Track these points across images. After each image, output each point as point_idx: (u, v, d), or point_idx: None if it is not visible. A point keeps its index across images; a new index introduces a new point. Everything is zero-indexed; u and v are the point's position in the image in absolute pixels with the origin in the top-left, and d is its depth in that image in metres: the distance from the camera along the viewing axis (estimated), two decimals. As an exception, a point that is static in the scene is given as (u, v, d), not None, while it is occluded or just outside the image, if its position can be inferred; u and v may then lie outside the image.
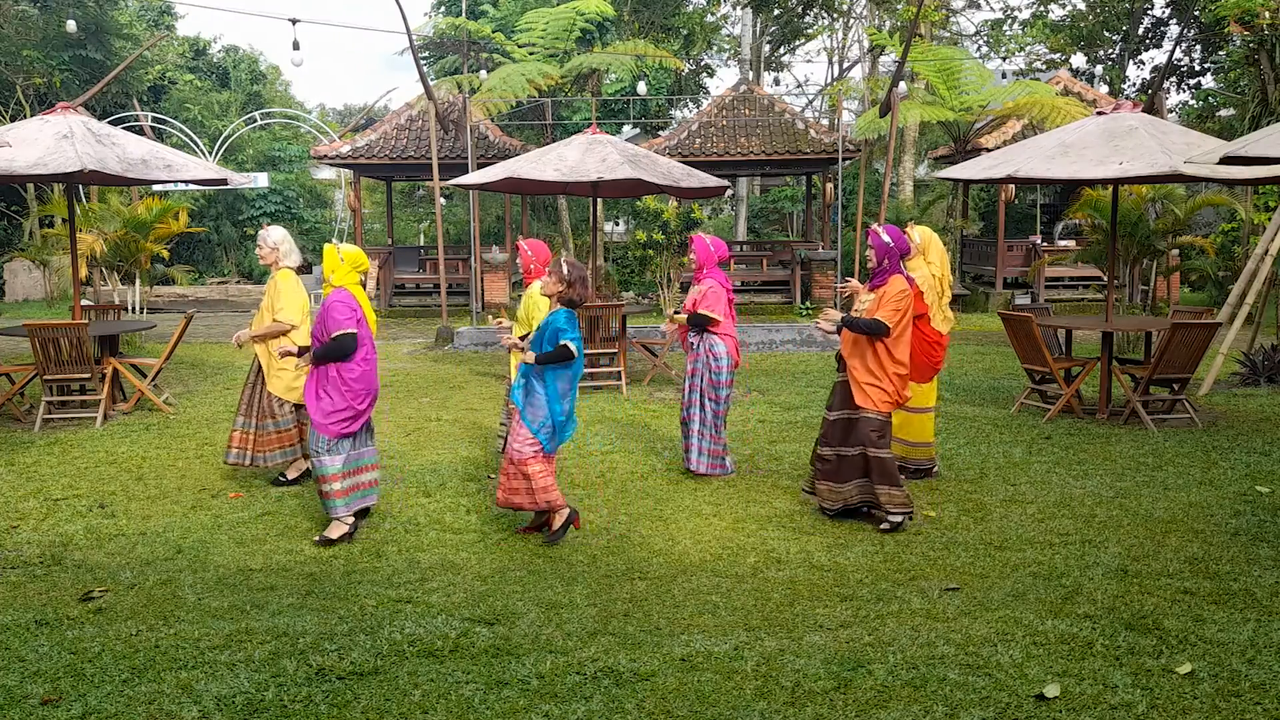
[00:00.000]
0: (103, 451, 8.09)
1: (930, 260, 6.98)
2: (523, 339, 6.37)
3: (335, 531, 5.86)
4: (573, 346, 5.64)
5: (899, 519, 5.99)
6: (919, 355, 6.76)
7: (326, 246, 5.94)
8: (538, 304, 6.69)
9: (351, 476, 5.96)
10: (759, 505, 6.59)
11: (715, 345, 7.18)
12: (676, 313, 7.59)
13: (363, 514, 6.18)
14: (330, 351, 5.80)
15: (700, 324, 7.19)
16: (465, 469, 7.54)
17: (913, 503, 6.14)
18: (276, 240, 7.02)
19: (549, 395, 5.75)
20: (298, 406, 7.07)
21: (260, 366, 7.07)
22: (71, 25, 18.51)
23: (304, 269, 7.33)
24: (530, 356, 5.72)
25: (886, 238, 6.04)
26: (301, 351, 6.25)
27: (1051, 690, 3.89)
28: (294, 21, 16.27)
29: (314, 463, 5.92)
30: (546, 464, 5.83)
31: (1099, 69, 28.36)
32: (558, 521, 5.85)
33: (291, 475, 7.12)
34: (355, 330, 5.81)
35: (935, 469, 7.26)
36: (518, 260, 7.17)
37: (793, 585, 5.14)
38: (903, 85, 18.09)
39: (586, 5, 20.00)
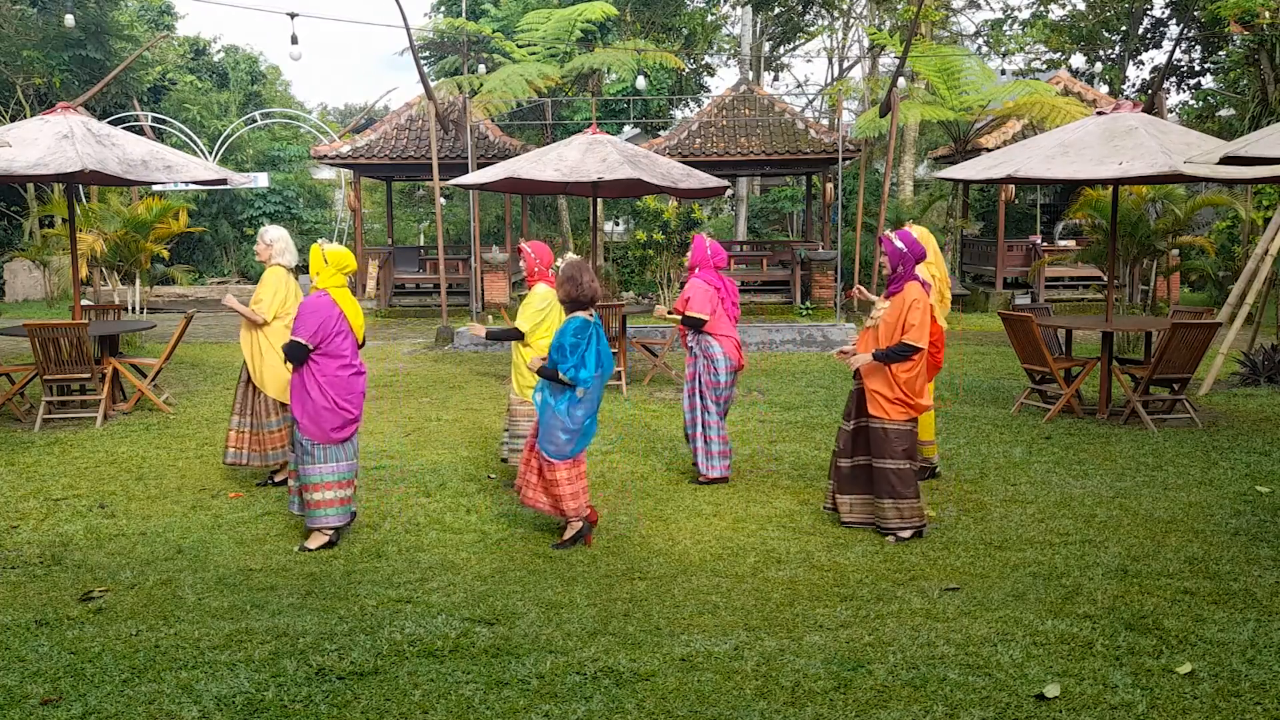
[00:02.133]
0: (103, 451, 8.09)
1: (929, 261, 6.95)
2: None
3: (315, 542, 5.75)
4: (565, 378, 5.58)
5: (907, 535, 5.86)
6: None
7: (313, 246, 5.84)
8: (551, 306, 6.64)
9: (344, 488, 5.81)
10: (759, 505, 6.59)
11: (711, 347, 7.10)
12: (670, 312, 7.56)
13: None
14: (286, 352, 5.75)
15: (694, 325, 7.15)
16: (465, 469, 7.54)
17: (923, 514, 5.92)
18: (272, 238, 7.10)
19: (558, 407, 5.69)
20: (284, 406, 7.08)
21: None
22: (70, 20, 18.46)
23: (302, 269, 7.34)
24: (535, 364, 5.75)
25: (900, 244, 5.87)
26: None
27: (1051, 690, 3.90)
28: (292, 16, 16.33)
29: (299, 470, 5.80)
30: (571, 468, 5.77)
31: (1099, 69, 28.35)
32: (569, 532, 5.82)
33: (280, 477, 7.11)
34: (307, 344, 5.63)
35: (936, 469, 7.25)
36: (520, 262, 7.14)
37: (793, 585, 5.14)
38: (902, 82, 18.08)
39: (593, 13, 19.99)
